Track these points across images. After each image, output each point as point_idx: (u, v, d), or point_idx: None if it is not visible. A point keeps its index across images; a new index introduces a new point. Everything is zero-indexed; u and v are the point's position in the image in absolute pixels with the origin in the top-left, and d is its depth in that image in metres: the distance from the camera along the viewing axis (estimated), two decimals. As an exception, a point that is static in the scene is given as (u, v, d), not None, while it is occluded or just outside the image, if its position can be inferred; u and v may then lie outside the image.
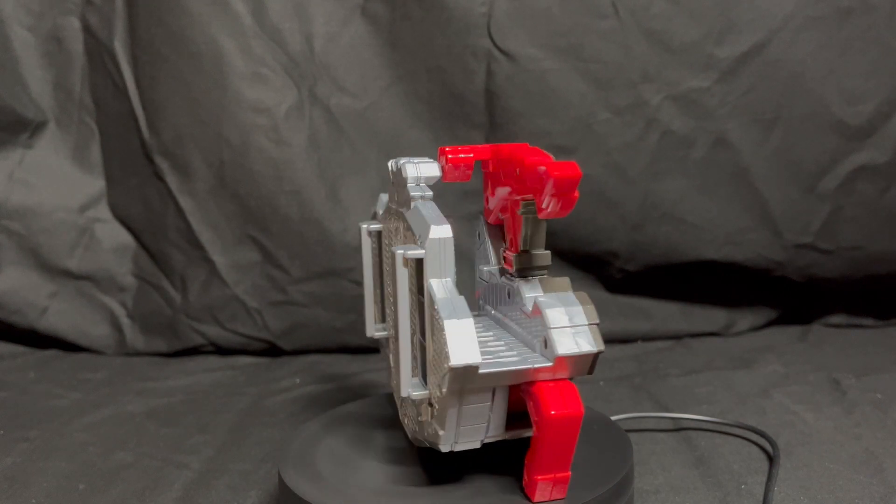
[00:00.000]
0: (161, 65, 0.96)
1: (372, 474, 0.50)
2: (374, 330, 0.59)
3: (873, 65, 0.91)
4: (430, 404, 0.45)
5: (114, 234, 1.03)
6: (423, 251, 0.43)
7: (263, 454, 0.66)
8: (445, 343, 0.40)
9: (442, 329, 0.41)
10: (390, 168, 0.53)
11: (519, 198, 0.46)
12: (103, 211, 1.04)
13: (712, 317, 1.01)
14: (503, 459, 0.48)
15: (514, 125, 0.93)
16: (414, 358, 0.46)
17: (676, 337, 1.00)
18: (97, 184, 1.03)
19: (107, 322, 1.02)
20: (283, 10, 0.94)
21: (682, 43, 0.91)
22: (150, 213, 1.01)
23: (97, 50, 1.00)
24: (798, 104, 0.92)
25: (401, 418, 0.55)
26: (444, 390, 0.42)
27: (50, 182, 1.02)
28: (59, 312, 1.02)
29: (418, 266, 0.44)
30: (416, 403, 0.47)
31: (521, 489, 0.46)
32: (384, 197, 0.58)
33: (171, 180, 0.98)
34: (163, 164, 0.98)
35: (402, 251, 0.44)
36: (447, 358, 0.40)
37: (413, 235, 0.46)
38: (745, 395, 0.76)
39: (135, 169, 1.01)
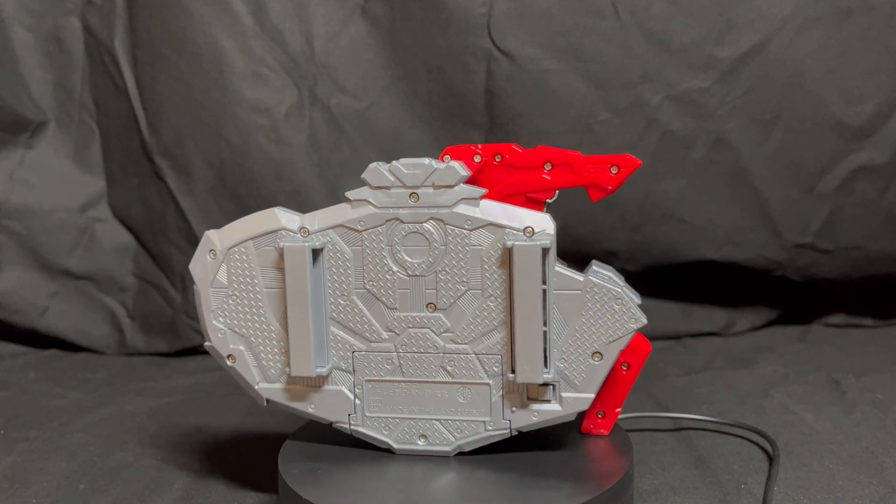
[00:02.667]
0: (161, 65, 0.96)
1: (372, 474, 0.50)
2: (318, 368, 0.50)
3: (873, 65, 0.91)
4: (541, 385, 0.49)
5: (114, 234, 1.03)
6: (551, 238, 0.48)
7: (263, 454, 0.66)
8: (627, 308, 0.48)
9: (615, 298, 0.48)
10: (395, 170, 0.50)
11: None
12: (103, 211, 1.04)
13: (712, 317, 1.01)
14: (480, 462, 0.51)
15: (514, 125, 0.93)
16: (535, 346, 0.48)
17: (676, 337, 1.00)
18: (97, 184, 1.03)
19: (107, 322, 1.02)
20: (283, 10, 0.94)
21: (682, 43, 0.91)
22: (151, 213, 1.01)
23: (97, 50, 1.00)
24: (798, 104, 0.92)
25: (400, 447, 0.52)
26: (614, 354, 0.49)
27: (50, 182, 1.02)
28: (60, 312, 1.02)
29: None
30: (512, 394, 0.50)
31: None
32: (281, 212, 0.52)
33: (172, 180, 0.98)
34: (163, 164, 0.98)
35: (538, 244, 0.47)
36: (632, 320, 0.48)
37: (493, 231, 0.48)
38: (745, 395, 0.76)
39: (135, 169, 1.01)
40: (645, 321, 0.48)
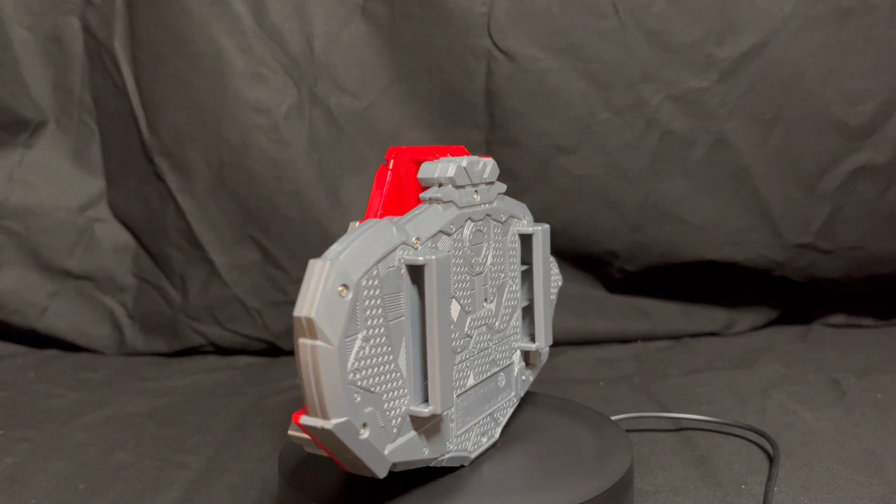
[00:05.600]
0: (161, 65, 0.96)
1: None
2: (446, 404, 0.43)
3: (873, 65, 0.91)
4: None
5: (114, 234, 1.03)
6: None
7: (263, 454, 0.66)
8: (557, 269, 0.59)
9: (553, 262, 0.58)
10: (469, 168, 0.47)
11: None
12: (103, 211, 1.04)
13: (712, 317, 1.01)
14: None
15: (514, 125, 0.93)
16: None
17: (676, 337, 1.00)
18: (97, 184, 1.03)
19: (107, 322, 1.02)
20: (283, 10, 0.94)
21: (682, 43, 0.91)
22: (150, 213, 1.01)
23: (97, 50, 1.00)
24: (798, 104, 0.92)
25: (474, 454, 0.49)
26: (553, 307, 0.58)
27: (50, 182, 1.02)
28: (59, 312, 1.02)
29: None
30: (521, 364, 0.55)
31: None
32: (362, 222, 0.42)
33: (171, 180, 0.98)
34: (163, 164, 0.98)
35: (546, 226, 0.54)
36: (559, 279, 0.60)
37: (510, 221, 0.53)
38: (745, 395, 0.76)
39: (135, 169, 1.01)
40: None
